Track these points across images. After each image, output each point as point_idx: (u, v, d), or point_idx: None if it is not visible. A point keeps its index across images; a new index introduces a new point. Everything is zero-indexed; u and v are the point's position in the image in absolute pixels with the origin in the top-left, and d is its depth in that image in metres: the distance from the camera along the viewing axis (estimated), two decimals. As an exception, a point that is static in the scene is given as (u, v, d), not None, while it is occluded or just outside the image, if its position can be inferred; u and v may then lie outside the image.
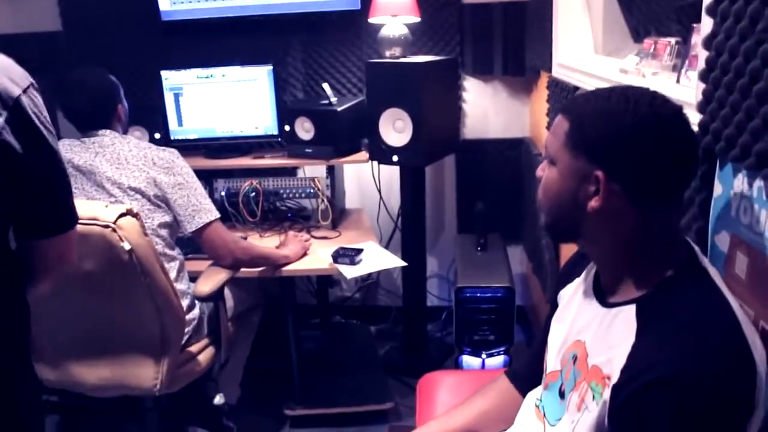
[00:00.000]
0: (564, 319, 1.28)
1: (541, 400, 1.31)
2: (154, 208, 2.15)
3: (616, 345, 1.05)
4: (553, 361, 1.28)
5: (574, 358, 1.17)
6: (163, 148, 2.22)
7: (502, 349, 2.63)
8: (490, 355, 2.63)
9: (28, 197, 1.11)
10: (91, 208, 1.83)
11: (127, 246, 1.82)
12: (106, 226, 1.80)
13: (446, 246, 3.39)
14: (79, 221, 1.77)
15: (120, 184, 2.12)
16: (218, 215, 2.24)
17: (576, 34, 2.40)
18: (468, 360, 2.66)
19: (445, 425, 1.48)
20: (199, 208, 2.19)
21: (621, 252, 1.10)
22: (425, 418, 1.74)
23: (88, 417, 2.80)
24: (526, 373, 1.45)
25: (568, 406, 1.17)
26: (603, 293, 1.17)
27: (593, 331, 1.14)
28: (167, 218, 2.18)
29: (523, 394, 1.42)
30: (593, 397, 1.07)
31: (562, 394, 1.21)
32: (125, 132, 2.32)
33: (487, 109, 3.20)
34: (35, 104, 1.08)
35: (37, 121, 1.08)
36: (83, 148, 2.18)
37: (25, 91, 1.07)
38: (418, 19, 2.74)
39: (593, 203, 1.07)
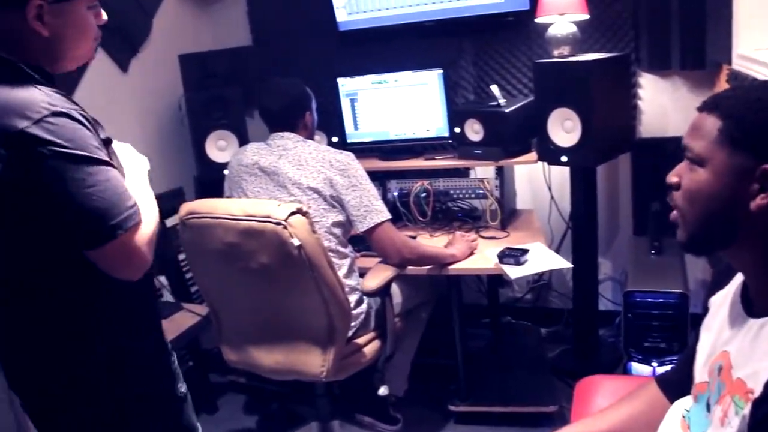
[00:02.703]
0: (712, 327, 1.23)
1: (689, 411, 1.26)
2: (329, 208, 2.30)
3: (762, 358, 1.00)
4: (700, 371, 1.23)
5: (720, 369, 1.13)
6: (340, 151, 2.36)
7: (675, 358, 2.50)
8: (661, 363, 2.51)
9: (54, 216, 1.21)
10: (265, 207, 2.02)
11: (296, 242, 1.97)
12: (278, 224, 1.97)
13: (621, 248, 3.28)
14: (255, 218, 1.99)
15: (300, 184, 2.28)
16: (389, 216, 2.34)
17: (760, 22, 2.24)
18: (637, 367, 2.56)
19: (590, 427, 1.46)
20: (371, 209, 2.30)
21: None
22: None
23: (269, 399, 3.05)
24: (676, 380, 1.40)
25: (712, 419, 1.12)
26: (751, 302, 1.12)
27: (739, 342, 1.09)
28: (341, 218, 2.32)
29: (672, 401, 1.37)
30: (736, 412, 1.03)
31: (708, 407, 1.16)
32: (310, 138, 2.48)
33: (665, 105, 3.05)
34: (52, 131, 1.16)
35: (53, 147, 1.16)
36: (269, 151, 2.37)
37: (37, 122, 1.16)
38: (586, 17, 2.69)
39: (759, 201, 1.01)
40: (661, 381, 1.45)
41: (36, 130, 1.15)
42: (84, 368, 1.36)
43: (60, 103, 1.20)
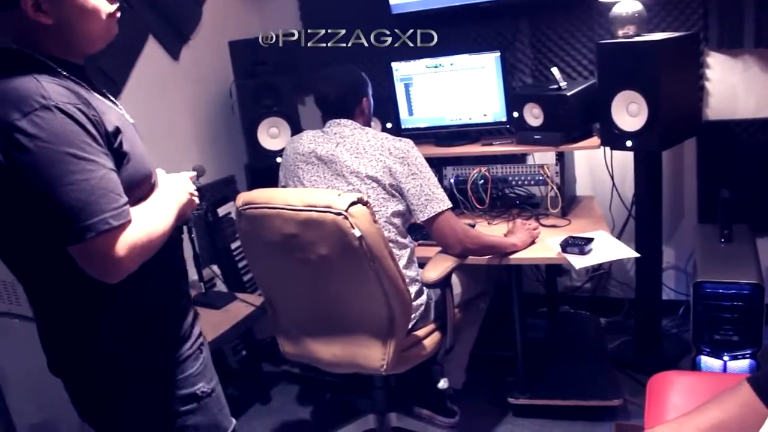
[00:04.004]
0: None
1: (790, 417, 1.17)
2: (389, 197, 2.23)
3: None
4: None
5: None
6: (399, 138, 2.29)
7: (748, 352, 2.39)
8: (733, 358, 2.41)
9: (33, 211, 1.20)
10: (325, 197, 1.96)
11: (357, 233, 1.91)
12: (339, 214, 1.91)
13: (685, 236, 3.16)
14: (315, 209, 1.94)
15: (358, 173, 2.22)
16: (450, 205, 2.27)
17: None
18: (707, 361, 2.46)
19: (679, 433, 1.38)
20: (432, 198, 2.23)
21: None
22: (654, 420, 1.65)
23: (323, 390, 3.02)
24: (773, 384, 1.31)
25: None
26: None
27: None
28: (400, 207, 2.25)
29: (769, 407, 1.28)
30: None
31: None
32: (368, 125, 2.41)
33: (735, 86, 2.91)
34: (38, 125, 1.15)
35: (37, 141, 1.15)
36: (326, 139, 2.31)
37: (26, 115, 1.15)
38: (654, -6, 2.57)
39: None
40: (757, 384, 1.36)
41: (24, 124, 1.15)
42: (103, 355, 1.39)
43: (56, 96, 1.19)
